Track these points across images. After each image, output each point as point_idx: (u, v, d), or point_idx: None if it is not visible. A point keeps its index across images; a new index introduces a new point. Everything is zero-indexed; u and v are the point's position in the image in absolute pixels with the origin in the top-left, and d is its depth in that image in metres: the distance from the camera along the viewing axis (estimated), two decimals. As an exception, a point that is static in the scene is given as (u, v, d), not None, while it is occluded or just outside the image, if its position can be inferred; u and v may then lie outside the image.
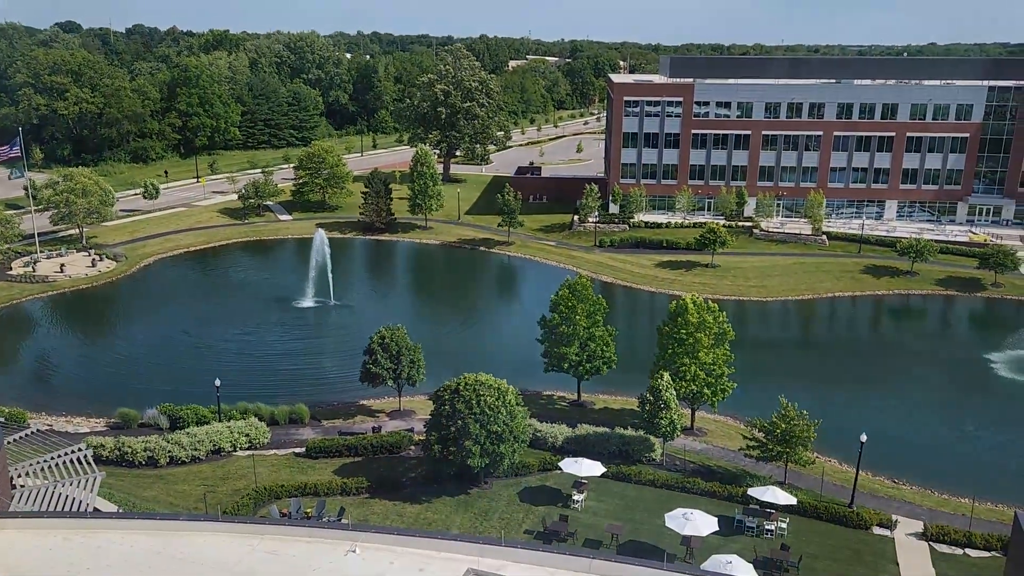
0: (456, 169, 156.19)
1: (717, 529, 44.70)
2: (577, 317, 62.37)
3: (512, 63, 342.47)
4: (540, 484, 53.20)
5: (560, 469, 51.86)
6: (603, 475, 51.66)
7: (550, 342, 63.88)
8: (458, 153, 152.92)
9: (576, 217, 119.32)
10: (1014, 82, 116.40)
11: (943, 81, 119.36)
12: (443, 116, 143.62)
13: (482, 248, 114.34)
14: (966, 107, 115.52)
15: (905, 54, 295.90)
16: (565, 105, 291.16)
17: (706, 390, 58.50)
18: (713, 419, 63.72)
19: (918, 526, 48.95)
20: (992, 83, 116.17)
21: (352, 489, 51.71)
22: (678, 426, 54.69)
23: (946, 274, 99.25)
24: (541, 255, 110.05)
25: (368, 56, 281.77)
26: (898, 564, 45.59)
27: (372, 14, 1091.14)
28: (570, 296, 63.08)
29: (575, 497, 50.82)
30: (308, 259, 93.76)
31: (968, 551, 46.70)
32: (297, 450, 57.38)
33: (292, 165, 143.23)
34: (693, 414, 61.86)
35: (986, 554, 46.30)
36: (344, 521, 45.08)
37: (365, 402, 65.92)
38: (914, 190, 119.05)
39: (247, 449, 57.41)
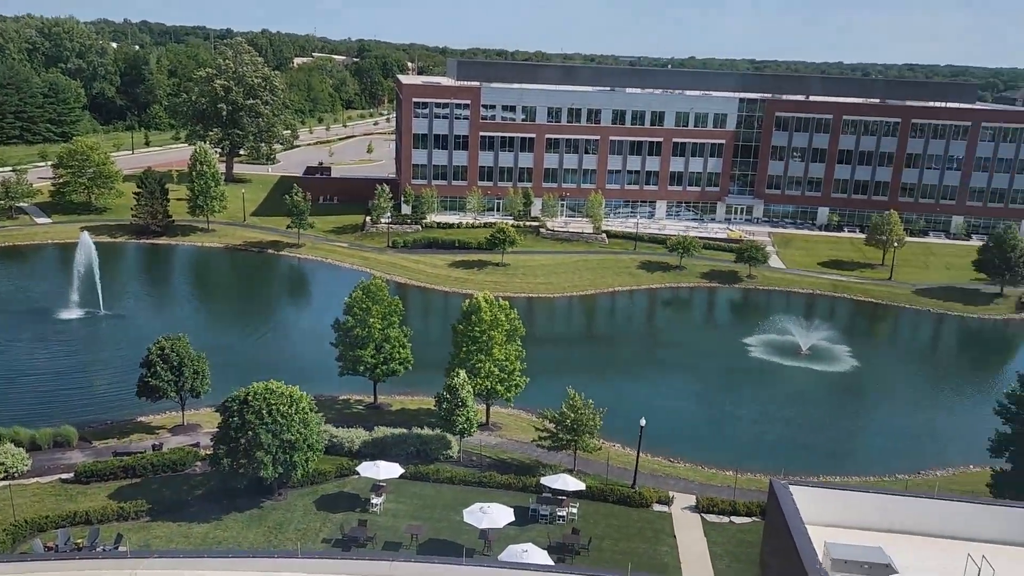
0: (240, 169, 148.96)
1: (513, 520, 46.20)
2: (372, 319, 61.91)
3: (297, 60, 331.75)
4: (337, 490, 52.28)
5: (358, 474, 51.30)
6: (402, 476, 51.73)
7: (344, 345, 62.92)
8: (241, 152, 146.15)
9: (368, 218, 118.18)
10: (760, 95, 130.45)
11: (702, 92, 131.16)
12: (224, 113, 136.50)
13: (270, 251, 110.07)
14: (722, 116, 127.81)
15: (670, 66, 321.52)
16: (354, 105, 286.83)
17: (499, 386, 60.26)
18: (507, 413, 65.82)
19: (691, 500, 53.57)
20: (743, 95, 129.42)
21: (130, 513, 47.92)
22: (474, 422, 55.94)
23: (709, 268, 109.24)
24: (333, 257, 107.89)
25: (137, 47, 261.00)
26: (675, 536, 49.65)
27: (140, 2, 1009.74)
28: (364, 298, 62.49)
29: (374, 500, 50.46)
30: (72, 266, 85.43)
31: (733, 519, 51.82)
32: (64, 476, 52.18)
33: (51, 163, 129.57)
34: (488, 410, 63.52)
35: (748, 520, 51.57)
36: (122, 548, 41.79)
37: (144, 419, 61.26)
38: (680, 191, 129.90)
39: (2, 479, 51.30)
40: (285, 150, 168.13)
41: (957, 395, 78.08)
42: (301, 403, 49.25)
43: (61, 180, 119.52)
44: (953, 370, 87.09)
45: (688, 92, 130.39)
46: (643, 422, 53.93)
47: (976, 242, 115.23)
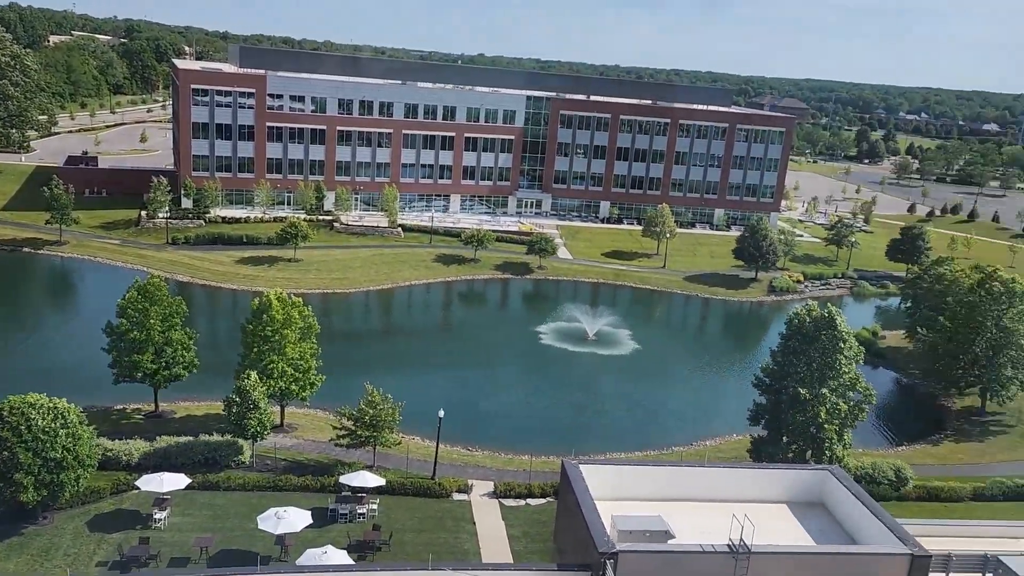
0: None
1: (311, 522, 45.08)
2: (151, 321, 57.68)
3: (53, 38, 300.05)
4: (114, 508, 48.23)
5: (138, 488, 47.66)
6: (188, 487, 48.72)
7: (119, 351, 58.09)
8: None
9: (144, 213, 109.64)
10: (546, 93, 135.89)
11: (492, 89, 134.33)
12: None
13: (27, 249, 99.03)
14: (511, 112, 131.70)
15: (460, 62, 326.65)
16: (124, 90, 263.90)
17: (294, 386, 58.41)
18: (303, 413, 63.95)
19: (489, 487, 54.96)
20: (530, 93, 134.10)
21: None
22: (267, 425, 53.84)
23: (502, 260, 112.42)
24: (104, 255, 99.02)
25: None
26: (475, 523, 50.76)
27: None
28: (140, 299, 58.07)
29: (157, 515, 47.07)
30: None
31: (529, 501, 53.83)
32: None
33: None
34: (283, 411, 61.38)
35: (543, 501, 53.77)
36: None
37: None
38: (473, 185, 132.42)
39: None
40: (41, 137, 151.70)
41: (722, 371, 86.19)
42: (69, 416, 44.90)
43: None
44: (718, 348, 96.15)
45: (478, 88, 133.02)
46: (441, 413, 54.57)
47: (735, 233, 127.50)
